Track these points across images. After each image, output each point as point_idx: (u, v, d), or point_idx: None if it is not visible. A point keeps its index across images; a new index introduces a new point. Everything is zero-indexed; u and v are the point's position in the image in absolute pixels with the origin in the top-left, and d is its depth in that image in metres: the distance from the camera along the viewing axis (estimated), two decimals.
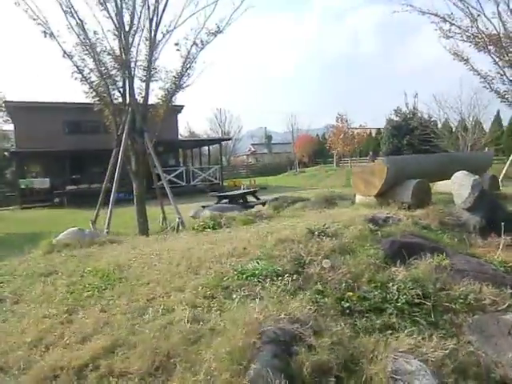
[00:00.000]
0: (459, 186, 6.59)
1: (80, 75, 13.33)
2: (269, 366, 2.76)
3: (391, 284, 4.32)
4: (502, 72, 12.99)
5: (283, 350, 3.00)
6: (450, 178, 8.33)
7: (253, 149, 58.19)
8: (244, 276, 4.49)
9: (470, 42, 13.16)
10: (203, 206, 16.51)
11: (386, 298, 4.16)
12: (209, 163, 32.24)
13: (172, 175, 27.67)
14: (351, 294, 4.25)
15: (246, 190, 18.01)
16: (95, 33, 13.14)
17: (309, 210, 9.90)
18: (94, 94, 13.52)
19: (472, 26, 12.97)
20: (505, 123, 27.37)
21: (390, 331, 3.69)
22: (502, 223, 5.46)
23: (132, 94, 13.52)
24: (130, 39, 13.43)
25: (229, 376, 2.67)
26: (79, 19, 12.75)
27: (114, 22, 13.10)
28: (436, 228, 6.03)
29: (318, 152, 42.19)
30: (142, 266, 5.39)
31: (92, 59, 13.22)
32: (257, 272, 4.51)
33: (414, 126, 28.25)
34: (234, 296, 4.06)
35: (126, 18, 13.21)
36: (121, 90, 13.67)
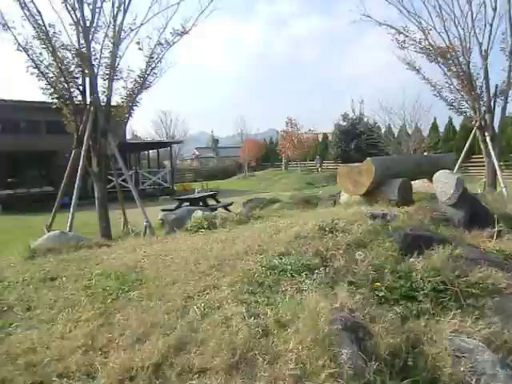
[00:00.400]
0: (443, 184, 7.07)
1: (36, 70, 12.58)
2: (353, 351, 2.85)
3: (414, 274, 4.57)
4: (449, 81, 14.05)
5: (355, 336, 3.10)
6: (422, 178, 8.92)
7: (197, 153, 57.70)
8: (275, 271, 4.53)
9: (423, 53, 14.11)
10: (163, 210, 16.16)
11: (413, 286, 4.40)
12: (158, 167, 31.49)
13: (120, 179, 26.59)
14: (379, 284, 4.45)
15: (206, 194, 17.87)
16: (50, 25, 12.43)
17: (288, 210, 10.10)
18: (52, 90, 12.79)
19: (424, 39, 13.92)
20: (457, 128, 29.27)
21: (426, 316, 3.92)
22: (496, 216, 5.95)
23: (94, 93, 12.97)
24: (92, 35, 12.89)
25: (322, 362, 2.71)
26: (37, 10, 12.04)
27: (72, 17, 12.54)
28: (429, 223, 6.43)
29: (265, 156, 42.79)
30: (156, 267, 5.22)
31: (50, 54, 12.51)
32: (288, 267, 4.56)
33: (361, 130, 29.69)
34: (277, 290, 4.09)
35: (88, 13, 12.70)
36: (81, 87, 13.08)
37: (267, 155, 42.79)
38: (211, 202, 17.58)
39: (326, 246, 5.19)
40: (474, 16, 13.36)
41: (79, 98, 13.05)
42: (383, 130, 29.71)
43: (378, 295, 4.18)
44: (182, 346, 3.15)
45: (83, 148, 12.66)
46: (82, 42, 12.79)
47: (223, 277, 4.57)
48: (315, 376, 2.65)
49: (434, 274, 4.51)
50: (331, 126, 35.76)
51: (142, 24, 13.31)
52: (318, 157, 34.44)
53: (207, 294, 4.20)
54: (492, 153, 13.17)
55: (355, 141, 29.92)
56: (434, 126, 28.91)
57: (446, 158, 9.05)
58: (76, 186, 12.62)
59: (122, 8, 12.87)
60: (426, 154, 23.59)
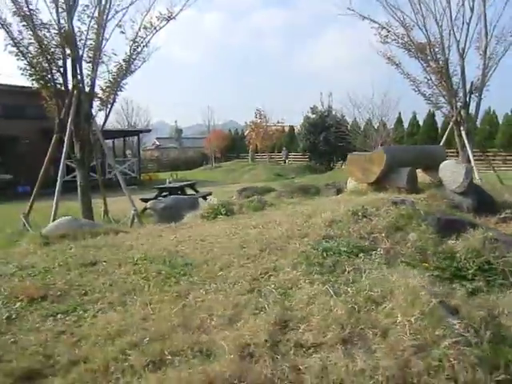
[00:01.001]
0: (451, 173, 7.44)
1: (15, 49, 11.87)
2: (459, 321, 3.01)
3: (458, 255, 4.81)
4: (428, 77, 14.71)
5: (450, 310, 3.26)
6: (420, 167, 9.32)
7: (157, 143, 56.52)
8: (329, 253, 4.61)
9: (404, 48, 14.65)
10: (142, 200, 15.76)
11: (459, 266, 4.64)
12: (124, 156, 30.51)
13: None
14: (427, 264, 4.66)
15: (185, 183, 17.64)
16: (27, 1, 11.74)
17: (287, 199, 10.21)
18: (33, 71, 12.11)
19: (406, 35, 14.45)
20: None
21: (482, 293, 4.15)
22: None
23: (78, 76, 12.42)
24: (76, 14, 12.32)
25: (440, 332, 2.84)
26: None
27: None
28: (446, 208, 6.76)
29: (231, 147, 42.67)
30: (199, 251, 5.16)
31: (31, 32, 11.83)
32: (342, 249, 4.67)
33: (329, 123, 30.32)
34: (341, 270, 4.18)
35: None
36: (61, 70, 12.47)
37: (233, 146, 42.69)
38: (189, 191, 17.41)
39: (366, 229, 5.33)
40: (454, 15, 14.03)
41: (60, 80, 12.49)
42: (350, 124, 30.47)
43: (432, 274, 4.37)
44: (284, 323, 3.16)
45: (66, 133, 12.12)
46: (62, 22, 12.24)
47: (279, 259, 4.60)
48: (435, 346, 2.77)
49: (476, 255, 4.77)
50: (294, 119, 36.40)
51: (129, 5, 12.87)
52: (284, 149, 34.84)
53: (271, 275, 4.22)
54: (467, 146, 13.96)
55: (324, 133, 30.50)
56: (399, 121, 30.10)
57: (438, 150, 9.52)
58: (60, 172, 12.07)
59: None
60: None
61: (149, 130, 36.95)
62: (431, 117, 29.94)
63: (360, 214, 5.85)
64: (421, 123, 30.91)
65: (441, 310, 3.13)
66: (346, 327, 3.02)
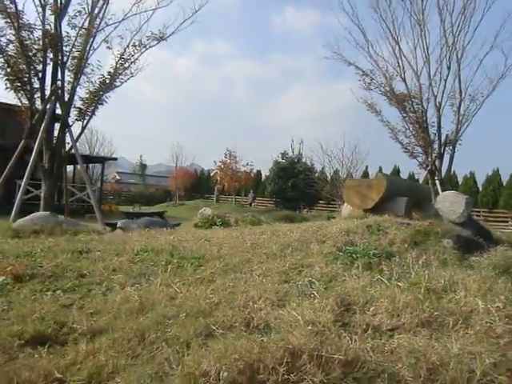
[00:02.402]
0: (451, 203, 7.36)
1: None
2: None
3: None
4: (406, 126, 15.20)
5: None
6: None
7: (118, 177, 54.86)
8: (360, 255, 4.24)
9: (386, 96, 15.19)
10: (107, 224, 14.75)
11: None
12: (87, 183, 28.87)
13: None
14: None
15: (155, 211, 16.94)
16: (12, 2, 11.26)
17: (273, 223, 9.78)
18: (10, 69, 11.35)
19: (387, 85, 15.05)
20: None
21: None
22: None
23: (59, 82, 11.79)
24: (68, 20, 11.92)
25: None
26: None
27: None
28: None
29: (196, 186, 41.98)
30: (208, 248, 4.60)
31: (14, 31, 11.23)
32: (370, 252, 4.31)
33: (299, 170, 30.61)
34: (377, 269, 3.80)
35: None
36: (41, 74, 11.82)
37: (198, 185, 42.04)
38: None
39: (385, 240, 5.02)
40: (433, 72, 14.81)
41: (37, 84, 11.80)
42: (317, 173, 30.92)
43: None
44: (347, 306, 2.69)
45: (37, 140, 11.18)
46: (50, 26, 11.79)
47: (304, 258, 4.15)
48: None
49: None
50: (259, 167, 36.76)
51: (121, 20, 12.65)
52: (251, 192, 34.65)
53: (300, 271, 3.75)
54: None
55: (292, 179, 30.66)
56: (365, 174, 30.95)
57: (426, 188, 9.62)
58: (24, 179, 11.03)
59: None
60: None
61: (115, 159, 35.67)
62: (396, 172, 30.95)
63: (374, 227, 5.55)
64: None
65: None
66: (421, 313, 2.58)
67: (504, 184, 23.55)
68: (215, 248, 4.57)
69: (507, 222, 21.46)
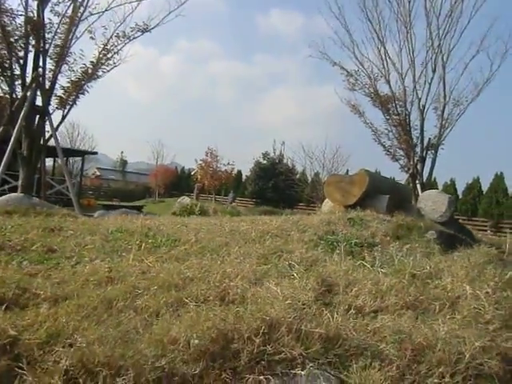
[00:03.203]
0: (433, 203, 7.37)
1: None
2: None
3: None
4: (389, 129, 15.24)
5: None
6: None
7: (98, 173, 53.88)
8: (338, 243, 4.14)
9: (370, 98, 15.22)
10: (86, 215, 14.42)
11: None
12: (66, 176, 28.16)
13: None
14: None
15: (134, 205, 16.61)
16: None
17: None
18: None
19: (372, 85, 15.07)
20: None
21: None
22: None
23: (39, 69, 11.42)
24: (51, 7, 11.58)
25: None
26: None
27: None
28: None
29: (176, 184, 41.52)
30: (184, 232, 4.44)
31: None
32: (352, 241, 4.24)
33: (280, 171, 30.56)
34: (359, 256, 3.71)
35: None
36: (22, 60, 11.44)
37: (178, 183, 41.60)
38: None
39: (367, 232, 4.94)
40: (417, 75, 14.88)
41: (18, 71, 11.42)
42: (298, 175, 30.93)
43: None
44: (328, 287, 2.57)
45: (16, 127, 10.80)
46: (31, 14, 11.43)
47: (284, 244, 4.03)
48: None
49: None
50: (240, 167, 36.51)
51: (104, 11, 12.32)
52: (231, 192, 34.43)
53: (280, 255, 3.62)
54: None
55: (273, 180, 30.60)
56: None
57: (407, 188, 9.67)
58: (1, 168, 10.66)
59: None
60: None
61: (95, 153, 34.85)
62: None
63: (356, 220, 5.48)
64: None
65: None
66: (406, 296, 2.48)
67: (484, 193, 23.68)
68: (192, 232, 4.39)
69: (486, 230, 21.46)
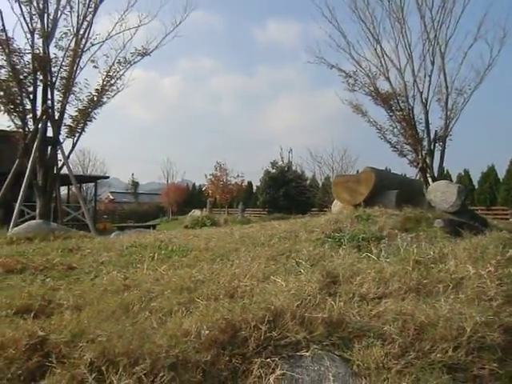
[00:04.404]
0: (442, 193, 7.40)
1: None
2: None
3: None
4: (394, 125, 15.25)
5: None
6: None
7: (111, 197, 54.69)
8: (349, 240, 4.25)
9: (371, 96, 15.30)
10: None
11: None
12: (87, 202, 28.92)
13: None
14: None
15: (147, 224, 16.91)
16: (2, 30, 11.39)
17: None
18: (2, 93, 11.45)
19: (372, 84, 15.15)
20: None
21: None
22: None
23: (48, 101, 11.84)
24: (54, 43, 12.04)
25: None
26: None
27: (28, 26, 11.63)
28: None
29: (188, 201, 41.90)
30: (196, 242, 4.60)
31: (6, 57, 11.38)
32: (359, 236, 4.33)
33: (289, 178, 30.66)
34: (366, 249, 3.81)
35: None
36: (31, 96, 11.88)
37: (190, 200, 41.97)
38: None
39: (375, 227, 5.03)
40: (416, 68, 14.92)
41: (29, 105, 11.87)
42: (308, 180, 31.01)
43: None
44: (334, 278, 2.69)
45: (30, 158, 11.21)
46: (38, 49, 11.89)
47: (293, 245, 4.16)
48: None
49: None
50: (249, 178, 36.71)
51: (106, 39, 12.74)
52: (241, 203, 34.59)
53: (288, 256, 3.75)
54: None
55: (284, 188, 30.69)
56: None
57: (418, 183, 9.70)
58: (19, 199, 11.07)
59: (87, 19, 12.32)
60: None
61: (107, 177, 35.59)
62: None
63: (363, 216, 5.57)
64: None
65: None
66: (410, 281, 2.59)
67: (501, 180, 22.86)
68: (203, 241, 4.56)
69: (507, 219, 20.72)
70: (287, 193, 30.08)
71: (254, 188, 38.72)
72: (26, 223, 6.10)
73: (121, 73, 13.07)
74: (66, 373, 1.45)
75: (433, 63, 14.71)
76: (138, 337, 1.65)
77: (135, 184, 52.74)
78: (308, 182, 31.39)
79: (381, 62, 15.21)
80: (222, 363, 1.65)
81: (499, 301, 2.42)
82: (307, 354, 1.76)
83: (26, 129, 11.51)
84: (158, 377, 1.48)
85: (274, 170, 32.52)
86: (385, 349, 1.87)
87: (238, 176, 34.20)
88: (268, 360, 1.69)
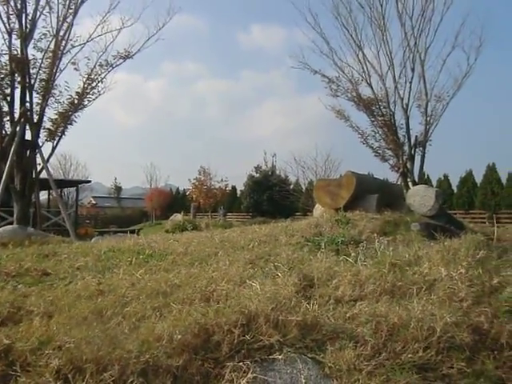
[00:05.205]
0: (421, 197, 7.53)
1: None
2: None
3: None
4: (376, 130, 15.48)
5: None
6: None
7: (93, 201, 53.91)
8: (328, 244, 4.27)
9: (353, 102, 15.50)
10: None
11: None
12: (68, 207, 28.43)
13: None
14: None
15: (132, 228, 16.72)
16: None
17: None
18: None
19: (354, 89, 15.35)
20: None
21: None
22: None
23: (26, 104, 11.64)
24: (33, 44, 11.86)
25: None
26: None
27: (5, 26, 11.46)
28: None
29: (171, 205, 41.62)
30: (175, 247, 4.57)
31: None
32: (338, 240, 4.35)
33: (273, 182, 30.71)
34: (346, 253, 3.84)
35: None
36: (9, 98, 11.66)
37: (173, 204, 41.68)
38: None
39: (355, 231, 5.08)
40: (397, 75, 15.18)
41: (6, 108, 11.64)
42: (292, 185, 31.10)
43: None
44: (310, 282, 2.71)
45: (7, 163, 10.97)
46: (14, 52, 11.70)
47: (272, 249, 4.17)
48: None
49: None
50: (233, 182, 36.55)
51: (86, 42, 12.59)
52: (221, 207, 34.50)
53: (267, 259, 3.75)
54: None
55: (268, 192, 30.74)
56: None
57: (398, 186, 9.82)
58: None
59: (67, 21, 12.17)
60: None
61: (88, 181, 35.07)
62: None
63: (344, 220, 5.62)
64: None
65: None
66: (384, 283, 2.62)
67: (478, 185, 23.49)
68: (183, 246, 4.54)
69: (485, 222, 21.24)
70: (271, 197, 30.12)
71: (238, 192, 38.64)
72: (1, 228, 5.96)
73: (102, 76, 12.93)
74: (31, 381, 1.42)
75: (413, 70, 15.02)
76: (109, 343, 1.63)
77: (118, 188, 52.05)
78: (292, 186, 31.44)
79: (363, 68, 15.46)
80: (193, 368, 1.64)
81: (469, 301, 2.47)
82: (280, 356, 1.77)
83: (3, 132, 11.29)
84: (127, 383, 1.46)
85: (257, 175, 32.59)
86: (357, 350, 1.89)
87: (221, 180, 34.16)
88: (240, 364, 1.69)
